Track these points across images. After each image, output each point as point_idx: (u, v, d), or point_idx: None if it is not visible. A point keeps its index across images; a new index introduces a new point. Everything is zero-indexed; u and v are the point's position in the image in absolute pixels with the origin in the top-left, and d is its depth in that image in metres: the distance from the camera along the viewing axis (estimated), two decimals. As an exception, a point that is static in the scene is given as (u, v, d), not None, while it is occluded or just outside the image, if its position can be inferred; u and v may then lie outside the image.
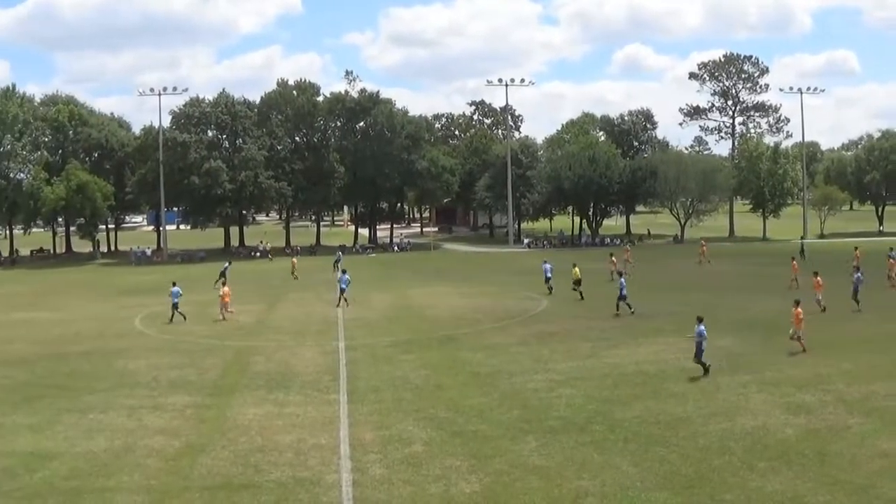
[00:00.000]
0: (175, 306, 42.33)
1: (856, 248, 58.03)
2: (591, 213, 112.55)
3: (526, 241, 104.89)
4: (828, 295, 40.17)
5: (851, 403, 22.98)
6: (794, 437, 20.11)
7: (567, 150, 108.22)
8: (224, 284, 48.25)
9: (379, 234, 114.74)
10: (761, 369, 27.37)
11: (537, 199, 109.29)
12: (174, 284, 43.16)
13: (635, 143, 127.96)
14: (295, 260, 71.07)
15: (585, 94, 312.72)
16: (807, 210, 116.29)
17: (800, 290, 47.07)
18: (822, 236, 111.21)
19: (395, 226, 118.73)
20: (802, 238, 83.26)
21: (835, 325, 36.19)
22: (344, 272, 48.97)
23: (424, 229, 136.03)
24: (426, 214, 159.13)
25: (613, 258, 59.60)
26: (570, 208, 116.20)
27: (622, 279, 43.32)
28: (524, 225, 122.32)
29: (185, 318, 41.97)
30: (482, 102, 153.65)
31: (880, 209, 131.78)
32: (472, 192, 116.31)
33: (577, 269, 48.95)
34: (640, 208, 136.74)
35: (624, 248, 78.03)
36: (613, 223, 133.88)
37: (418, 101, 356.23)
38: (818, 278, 39.99)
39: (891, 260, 52.43)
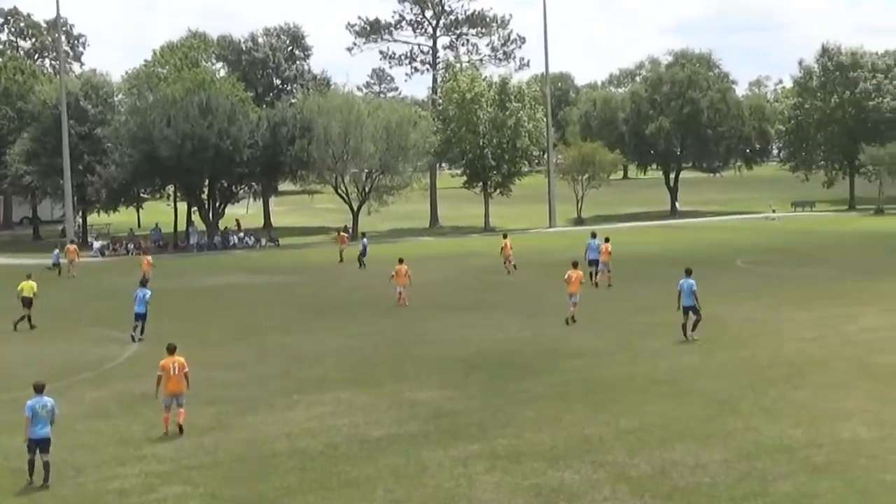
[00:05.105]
0: None
1: (504, 236, 63.41)
2: (205, 196, 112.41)
3: (97, 244, 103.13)
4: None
5: (640, 482, 24.00)
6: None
7: (164, 94, 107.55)
8: None
9: None
10: (491, 435, 28.22)
11: (115, 174, 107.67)
12: None
13: (277, 82, 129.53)
14: None
15: None
16: (553, 181, 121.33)
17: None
18: (579, 221, 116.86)
19: None
20: (363, 234, 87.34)
21: (605, 356, 38.22)
22: None
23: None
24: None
25: None
26: (170, 189, 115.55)
27: (140, 291, 46.46)
28: (94, 218, 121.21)
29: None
30: (15, 12, 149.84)
31: (672, 176, 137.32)
32: (2, 165, 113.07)
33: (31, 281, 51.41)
34: (286, 187, 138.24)
35: (339, 235, 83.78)
36: (244, 211, 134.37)
37: None
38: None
39: (505, 240, 61.59)
